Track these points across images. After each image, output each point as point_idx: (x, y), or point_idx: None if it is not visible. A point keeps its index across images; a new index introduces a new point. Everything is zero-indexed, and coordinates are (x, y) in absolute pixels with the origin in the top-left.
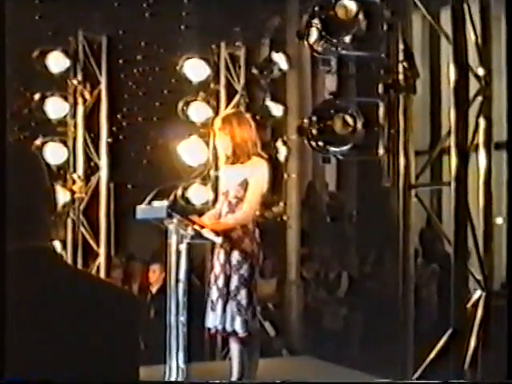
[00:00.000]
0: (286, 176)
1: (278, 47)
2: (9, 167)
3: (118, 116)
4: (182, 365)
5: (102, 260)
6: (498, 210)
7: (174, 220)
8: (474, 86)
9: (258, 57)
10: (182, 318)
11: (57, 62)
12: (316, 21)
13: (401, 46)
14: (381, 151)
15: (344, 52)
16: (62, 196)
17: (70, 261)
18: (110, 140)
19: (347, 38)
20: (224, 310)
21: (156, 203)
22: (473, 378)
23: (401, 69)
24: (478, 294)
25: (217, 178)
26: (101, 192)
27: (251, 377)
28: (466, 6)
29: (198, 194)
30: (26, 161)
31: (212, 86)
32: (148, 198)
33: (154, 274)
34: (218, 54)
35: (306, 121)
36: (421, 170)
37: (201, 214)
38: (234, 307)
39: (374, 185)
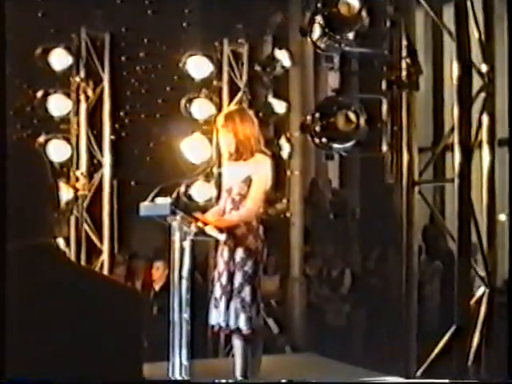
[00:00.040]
0: (288, 173)
1: (280, 44)
2: (12, 165)
3: (121, 113)
4: (185, 362)
5: (105, 257)
6: (501, 207)
7: (178, 217)
8: (477, 82)
9: (260, 54)
10: (186, 315)
11: (59, 59)
12: (319, 17)
13: (404, 43)
14: (384, 148)
15: (347, 49)
16: (66, 193)
17: (73, 258)
18: (112, 137)
19: (350, 35)
20: (228, 307)
21: (159, 200)
22: (476, 374)
23: (404, 65)
24: (481, 290)
25: (220, 174)
26: (104, 189)
27: (254, 374)
28: (469, 3)
29: (201, 190)
30: (29, 158)
31: (215, 83)
32: (151, 195)
33: (158, 271)
34: (221, 51)
35: (308, 118)
36: (424, 167)
37: (204, 210)
38: (238, 304)
39: (377, 182)
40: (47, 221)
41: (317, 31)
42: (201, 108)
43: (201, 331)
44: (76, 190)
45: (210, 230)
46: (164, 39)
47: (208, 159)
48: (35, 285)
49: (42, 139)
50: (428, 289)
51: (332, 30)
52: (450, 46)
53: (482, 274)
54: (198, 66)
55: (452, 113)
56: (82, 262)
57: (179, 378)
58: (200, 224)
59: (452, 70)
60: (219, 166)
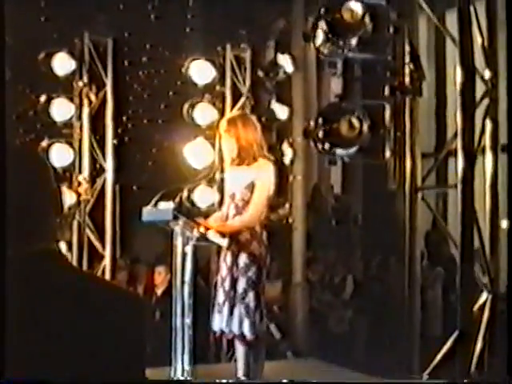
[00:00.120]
0: (291, 178)
1: (283, 49)
2: (15, 169)
3: (124, 118)
4: (187, 367)
5: (107, 262)
6: (504, 213)
7: (180, 222)
8: (480, 88)
9: (263, 59)
10: (188, 320)
11: (62, 64)
12: (322, 23)
13: (407, 49)
14: (387, 154)
15: (350, 54)
16: (68, 198)
17: (75, 263)
18: (115, 142)
19: (353, 41)
20: (231, 313)
21: (162, 205)
22: (479, 380)
23: (407, 71)
24: (484, 296)
25: (222, 180)
26: (106, 194)
27: (257, 379)
28: (472, 9)
29: (203, 196)
30: (32, 163)
31: (217, 88)
32: (154, 200)
33: (160, 276)
34: (224, 56)
35: (311, 123)
36: (427, 173)
37: (206, 216)
38: (242, 310)
39: (379, 187)
40: (50, 226)
41: (320, 37)
42: (203, 113)
43: (203, 336)
44: (78, 194)
45: (212, 235)
46: (167, 44)
47: (211, 164)
48: (37, 290)
49: (44, 144)
50: (430, 294)
51: (335, 36)
52: (452, 52)
53: (485, 280)
54: (200, 71)
55: (455, 118)
56: (84, 267)
57: None
58: (202, 229)
59: (455, 75)
60: (222, 171)
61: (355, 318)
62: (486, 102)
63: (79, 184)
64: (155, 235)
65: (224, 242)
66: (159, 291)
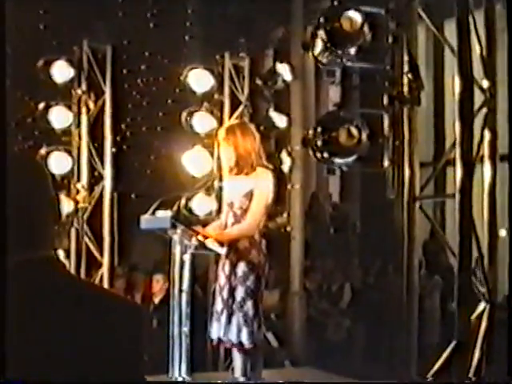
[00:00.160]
0: (289, 187)
1: (282, 58)
2: (13, 177)
3: (122, 126)
4: (184, 375)
5: (105, 270)
6: (502, 222)
7: (178, 230)
8: (478, 97)
9: (262, 67)
10: (185, 329)
11: (61, 71)
12: (321, 32)
13: (405, 58)
14: (386, 163)
15: (349, 63)
16: (66, 206)
17: (73, 270)
18: (113, 150)
19: (352, 50)
20: (229, 321)
21: (160, 213)
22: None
23: (405, 81)
24: (482, 306)
25: (221, 188)
26: (104, 202)
27: None
28: (470, 18)
29: (201, 204)
30: (31, 170)
31: (216, 96)
32: (152, 208)
33: (158, 284)
34: (222, 64)
35: (310, 132)
36: (425, 182)
37: (205, 224)
38: (240, 318)
39: (377, 196)
40: (48, 234)
41: (319, 46)
42: (202, 121)
43: (200, 345)
44: (77, 202)
45: (210, 243)
46: (165, 52)
47: (209, 173)
48: (35, 298)
49: (43, 151)
50: (428, 303)
51: (334, 45)
52: (451, 62)
53: (483, 289)
54: (199, 80)
55: (453, 128)
56: (82, 275)
57: None
58: (200, 237)
59: (453, 85)
60: (220, 179)
61: (353, 327)
62: (484, 111)
63: (77, 191)
64: (153, 243)
65: (222, 251)
66: (157, 299)
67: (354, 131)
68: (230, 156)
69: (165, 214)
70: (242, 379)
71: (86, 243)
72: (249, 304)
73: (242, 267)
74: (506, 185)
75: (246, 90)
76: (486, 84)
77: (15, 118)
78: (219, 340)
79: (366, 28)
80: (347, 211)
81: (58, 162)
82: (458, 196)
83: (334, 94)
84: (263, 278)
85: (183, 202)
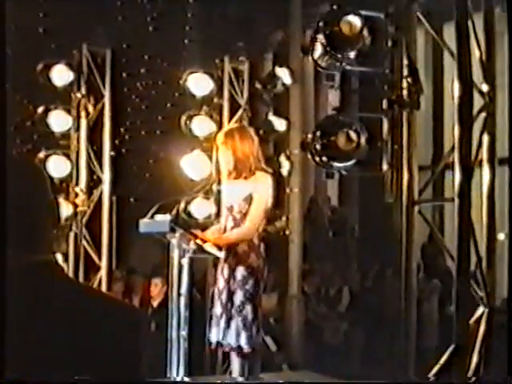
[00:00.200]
0: (288, 190)
1: (281, 62)
2: (12, 180)
3: (121, 129)
4: (182, 379)
5: (103, 273)
6: (501, 226)
7: (177, 234)
8: (477, 101)
9: (261, 71)
10: (184, 333)
11: (60, 75)
12: (321, 36)
13: (405, 62)
14: (384, 166)
15: (348, 67)
16: (65, 209)
17: (71, 274)
18: (112, 153)
19: (352, 54)
20: (228, 325)
21: (159, 217)
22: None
23: (405, 84)
24: (480, 310)
25: (219, 192)
26: (103, 205)
27: None
28: (470, 22)
29: (200, 208)
30: (29, 174)
31: (215, 100)
32: (151, 212)
33: (156, 287)
34: (222, 68)
35: (309, 136)
36: (424, 186)
37: (203, 228)
38: (239, 323)
39: (375, 199)
40: (47, 237)
41: (318, 50)
42: (201, 125)
43: (198, 348)
44: (75, 205)
45: (208, 247)
46: (165, 56)
47: (208, 176)
48: (34, 302)
49: (42, 155)
50: (426, 307)
51: (333, 49)
52: (450, 65)
53: (481, 293)
54: (198, 83)
55: (452, 132)
56: (81, 278)
57: None
58: (199, 241)
59: (453, 89)
60: (219, 183)
61: (351, 330)
62: (483, 115)
63: (76, 195)
64: (152, 247)
65: (221, 254)
66: (155, 303)
67: (353, 135)
68: (228, 160)
69: (164, 218)
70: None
71: (84, 247)
72: (248, 308)
73: (241, 271)
74: (505, 189)
75: (246, 94)
76: (485, 88)
77: (14, 121)
78: (218, 344)
79: (365, 32)
80: (346, 215)
81: (57, 166)
82: (456, 200)
83: (333, 97)
84: (262, 282)
85: (182, 205)
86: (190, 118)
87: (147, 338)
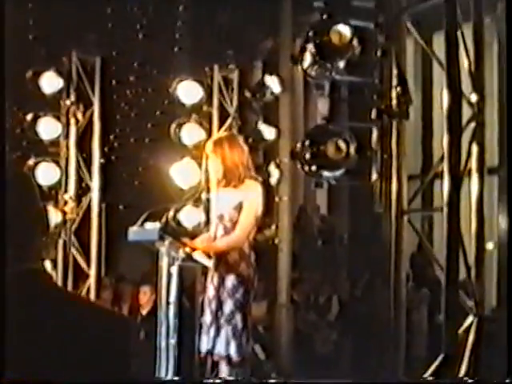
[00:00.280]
0: (277, 199)
1: (270, 70)
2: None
3: (111, 137)
4: None
5: (92, 281)
6: (490, 236)
7: (166, 242)
8: (466, 111)
9: (250, 80)
10: (172, 341)
11: (50, 82)
12: (310, 46)
13: (394, 72)
14: (374, 176)
15: (337, 77)
16: (54, 216)
17: (60, 281)
18: (102, 161)
19: (341, 63)
20: (218, 334)
21: (148, 225)
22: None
23: (394, 94)
24: (469, 319)
25: (209, 200)
26: (92, 213)
27: None
28: (459, 32)
29: (190, 216)
30: (18, 181)
31: (205, 108)
32: (140, 220)
33: (145, 295)
34: (211, 76)
35: (299, 145)
36: (413, 196)
37: (193, 236)
38: (229, 332)
39: (365, 209)
40: (35, 246)
41: (308, 59)
42: (190, 133)
43: (188, 356)
44: (64, 213)
45: (198, 255)
46: (154, 64)
47: (197, 184)
48: (22, 311)
49: (31, 162)
50: (415, 316)
51: (323, 59)
52: (439, 75)
53: (470, 303)
54: (188, 91)
55: (441, 142)
56: (69, 286)
57: None
58: (188, 250)
59: (442, 99)
60: (208, 191)
61: (340, 339)
62: (472, 125)
63: (65, 202)
64: (141, 255)
65: (210, 263)
66: (144, 311)
67: (342, 144)
68: (217, 168)
69: (153, 226)
70: None
71: (73, 254)
72: (237, 317)
73: (231, 280)
74: (494, 198)
75: (235, 102)
76: (474, 98)
77: (3, 128)
78: (208, 353)
79: (354, 42)
80: (335, 224)
81: (46, 173)
82: (445, 209)
83: (322, 106)
84: (252, 292)
85: (171, 213)
86: (180, 125)
87: (136, 346)
